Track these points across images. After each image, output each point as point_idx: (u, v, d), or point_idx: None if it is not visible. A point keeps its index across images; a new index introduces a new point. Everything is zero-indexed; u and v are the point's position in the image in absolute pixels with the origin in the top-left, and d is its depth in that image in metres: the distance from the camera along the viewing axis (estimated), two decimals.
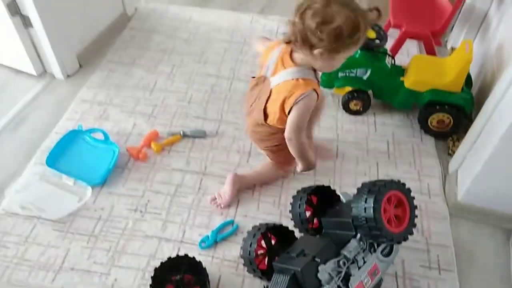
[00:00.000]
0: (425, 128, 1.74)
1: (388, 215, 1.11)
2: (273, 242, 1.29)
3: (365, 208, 1.09)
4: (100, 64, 2.03)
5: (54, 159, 1.57)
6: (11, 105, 1.84)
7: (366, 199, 1.10)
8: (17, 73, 1.99)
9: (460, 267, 1.36)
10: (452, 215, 1.49)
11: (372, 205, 1.07)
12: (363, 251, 1.16)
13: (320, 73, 1.43)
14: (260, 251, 1.27)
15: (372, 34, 1.70)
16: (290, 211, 1.36)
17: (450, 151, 1.69)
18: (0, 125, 1.76)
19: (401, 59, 1.89)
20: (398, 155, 1.69)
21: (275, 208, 1.50)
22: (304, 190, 1.36)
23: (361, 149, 1.71)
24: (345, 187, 1.52)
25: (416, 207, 1.16)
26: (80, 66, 2.02)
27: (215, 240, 1.39)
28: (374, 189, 1.11)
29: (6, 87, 1.93)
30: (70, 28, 1.93)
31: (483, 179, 1.38)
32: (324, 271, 1.10)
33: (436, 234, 1.43)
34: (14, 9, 1.73)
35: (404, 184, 1.16)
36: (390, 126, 1.80)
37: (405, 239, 1.13)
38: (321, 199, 1.36)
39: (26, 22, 1.79)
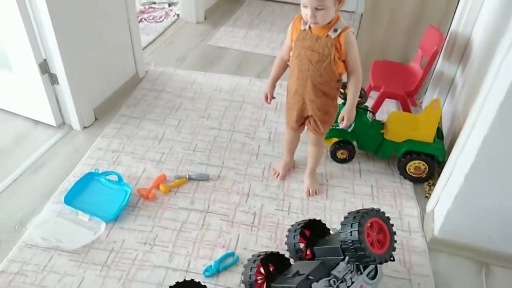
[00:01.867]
0: (404, 174, 1.96)
1: (371, 239, 1.29)
2: (271, 269, 1.44)
3: (351, 232, 1.27)
4: (114, 118, 2.27)
5: (72, 198, 1.74)
6: (32, 151, 2.03)
7: (351, 224, 1.28)
8: (37, 124, 2.20)
9: None
10: (431, 249, 1.66)
11: (357, 228, 1.26)
12: (351, 272, 1.31)
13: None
14: (259, 277, 1.41)
15: None
16: (286, 243, 1.52)
17: (427, 194, 1.89)
18: (21, 168, 1.93)
19: (381, 116, 2.16)
20: (381, 197, 1.88)
21: (272, 242, 1.66)
22: (298, 223, 1.53)
23: (348, 192, 1.90)
24: (335, 224, 1.69)
25: (395, 233, 1.34)
26: (96, 119, 2.25)
27: (218, 269, 1.53)
28: (358, 215, 1.30)
29: (28, 136, 2.13)
30: (89, 86, 2.18)
31: (454, 215, 1.57)
32: None
33: (416, 265, 1.59)
34: (45, 68, 2.00)
35: (383, 212, 1.35)
36: (373, 173, 2.01)
37: (386, 260, 1.30)
38: (313, 232, 1.54)
39: (53, 79, 2.04)
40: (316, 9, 1.43)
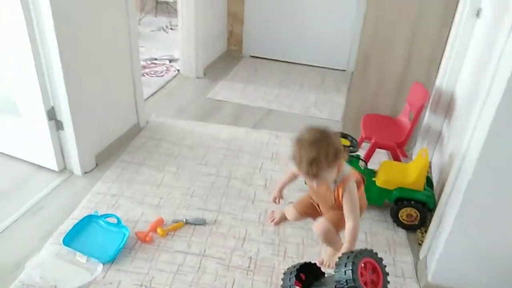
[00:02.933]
0: (397, 221, 2.01)
1: (364, 279, 1.32)
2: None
3: (345, 271, 1.30)
4: (115, 163, 2.34)
5: (70, 239, 1.76)
6: (32, 194, 2.06)
7: (345, 263, 1.32)
8: (39, 169, 2.26)
9: None
10: None
11: (351, 268, 1.29)
12: None
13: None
14: None
15: (346, 142, 2.08)
16: (281, 286, 1.54)
17: (419, 241, 1.93)
18: (21, 211, 1.96)
19: (373, 166, 2.24)
20: (375, 244, 1.91)
21: (267, 286, 1.67)
22: (293, 266, 1.56)
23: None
24: (330, 270, 1.71)
25: (388, 274, 1.37)
26: (97, 164, 2.32)
27: None
28: (352, 255, 1.34)
29: (29, 180, 2.18)
30: (92, 133, 2.27)
31: (446, 260, 1.61)
32: None
33: None
34: (52, 115, 2.09)
35: (376, 253, 1.39)
36: (367, 220, 2.06)
37: None
38: (309, 275, 1.56)
39: (58, 126, 2.13)
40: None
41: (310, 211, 1.83)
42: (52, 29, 1.86)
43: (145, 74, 3.59)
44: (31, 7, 1.84)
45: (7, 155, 2.32)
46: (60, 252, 1.72)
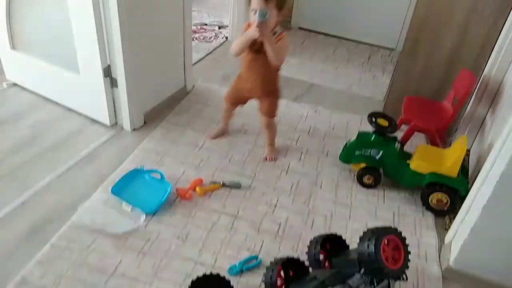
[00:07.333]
0: (426, 205, 2.05)
1: (386, 254, 1.39)
2: (290, 274, 1.56)
3: (368, 245, 1.38)
4: (161, 123, 2.49)
5: (118, 189, 1.93)
6: (85, 145, 2.26)
7: (369, 238, 1.39)
8: (92, 122, 2.45)
9: None
10: (445, 278, 1.73)
11: (374, 242, 1.37)
12: (365, 284, 1.42)
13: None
14: (279, 280, 1.53)
15: (385, 123, 2.10)
16: (306, 253, 1.64)
17: (446, 227, 1.97)
18: (75, 159, 2.16)
19: (410, 149, 2.26)
20: (402, 224, 1.97)
21: (293, 251, 1.78)
22: (320, 235, 1.66)
23: (370, 216, 2.01)
24: (354, 243, 1.79)
25: (409, 252, 1.44)
26: (145, 122, 2.48)
27: (241, 269, 1.66)
28: (376, 231, 1.41)
29: (83, 131, 2.38)
30: (143, 92, 2.42)
31: (470, 246, 1.65)
32: None
33: None
34: (108, 72, 2.24)
35: (401, 232, 1.45)
36: (396, 201, 2.11)
37: (399, 276, 1.39)
38: (333, 246, 1.65)
39: (113, 83, 2.29)
40: None
41: (238, 99, 2.28)
42: None
43: (194, 39, 3.68)
44: None
45: (66, 107, 2.53)
46: (108, 199, 1.90)
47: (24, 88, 2.69)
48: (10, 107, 2.53)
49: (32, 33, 2.48)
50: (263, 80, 2.11)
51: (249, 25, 1.96)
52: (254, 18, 1.85)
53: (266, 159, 2.29)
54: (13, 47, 2.57)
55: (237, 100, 2.29)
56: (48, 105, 2.56)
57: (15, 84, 2.72)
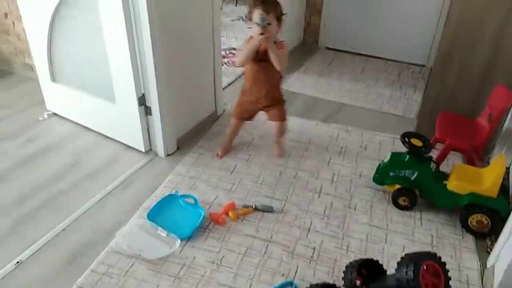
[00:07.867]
0: (465, 227, 1.98)
1: (425, 281, 1.35)
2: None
3: (406, 272, 1.35)
4: (193, 148, 2.54)
5: (153, 214, 1.98)
6: (122, 171, 2.33)
7: (407, 264, 1.36)
8: (127, 148, 2.53)
9: None
10: None
11: (413, 268, 1.34)
12: None
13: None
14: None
15: (419, 143, 2.07)
16: (342, 278, 1.61)
17: (488, 249, 1.89)
18: (113, 185, 2.23)
19: (446, 168, 2.20)
20: (441, 248, 1.91)
21: (329, 276, 1.75)
22: (356, 260, 1.63)
23: (407, 239, 1.96)
24: (392, 269, 1.75)
25: (450, 278, 1.39)
26: (178, 148, 2.54)
27: None
28: (415, 256, 1.38)
29: (119, 158, 2.46)
30: (176, 118, 2.48)
31: None
32: None
33: None
34: (142, 101, 2.33)
35: (440, 257, 1.41)
36: (434, 223, 2.05)
37: None
38: (370, 271, 1.62)
39: (147, 111, 2.36)
40: None
41: (247, 113, 2.38)
42: (147, 27, 2.06)
43: (223, 64, 3.76)
44: (131, 8, 2.06)
45: (102, 134, 2.63)
46: (144, 225, 1.95)
47: (63, 118, 2.82)
48: (50, 137, 2.65)
49: (71, 65, 2.61)
50: (270, 87, 2.26)
51: (251, 38, 2.13)
52: (256, 31, 2.03)
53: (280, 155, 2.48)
54: (53, 79, 2.71)
55: (245, 114, 2.39)
56: (86, 133, 2.67)
57: (55, 114, 2.86)
